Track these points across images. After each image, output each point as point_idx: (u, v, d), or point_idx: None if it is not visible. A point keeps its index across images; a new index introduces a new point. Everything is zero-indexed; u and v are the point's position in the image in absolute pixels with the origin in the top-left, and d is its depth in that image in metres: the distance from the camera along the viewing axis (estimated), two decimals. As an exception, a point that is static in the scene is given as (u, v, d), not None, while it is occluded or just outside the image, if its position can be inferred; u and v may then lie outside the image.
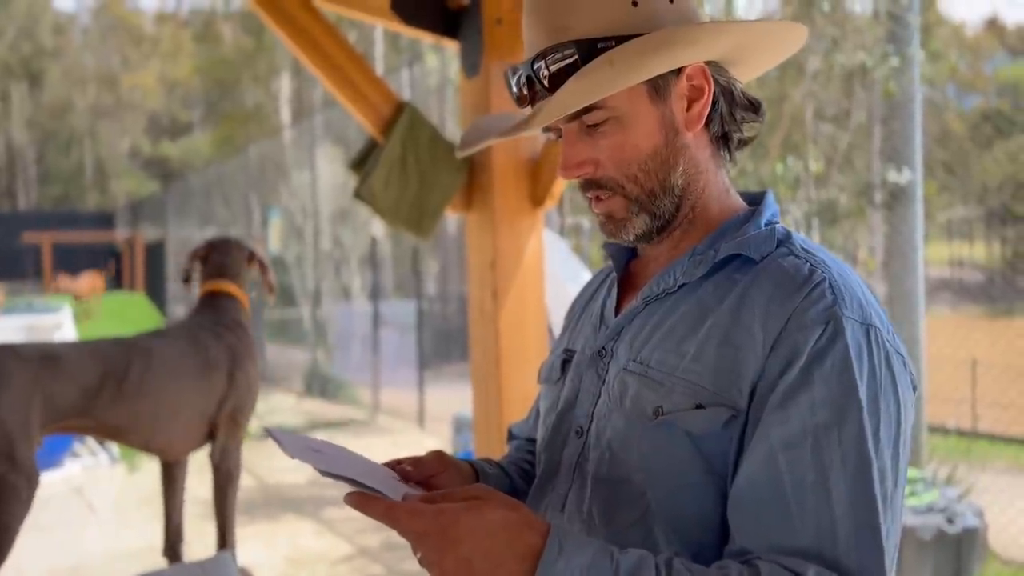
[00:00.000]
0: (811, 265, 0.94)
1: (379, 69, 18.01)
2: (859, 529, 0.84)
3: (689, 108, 1.00)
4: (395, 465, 1.06)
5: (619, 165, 1.00)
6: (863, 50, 5.98)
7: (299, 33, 2.47)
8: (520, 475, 1.22)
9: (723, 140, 1.05)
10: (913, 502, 3.82)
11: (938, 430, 7.00)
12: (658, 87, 0.98)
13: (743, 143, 1.07)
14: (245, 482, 6.65)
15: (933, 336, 6.88)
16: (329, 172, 12.48)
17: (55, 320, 8.13)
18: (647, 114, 0.99)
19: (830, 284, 0.91)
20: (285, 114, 27.78)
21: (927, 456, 5.35)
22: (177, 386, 2.63)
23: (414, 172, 2.55)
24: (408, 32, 2.66)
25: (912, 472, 4.15)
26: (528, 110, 1.03)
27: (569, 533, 0.85)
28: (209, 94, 36.95)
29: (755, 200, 1.08)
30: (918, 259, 5.18)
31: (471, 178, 2.62)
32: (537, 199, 2.60)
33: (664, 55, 0.94)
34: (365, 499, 0.85)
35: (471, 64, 2.56)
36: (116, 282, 22.16)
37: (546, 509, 1.08)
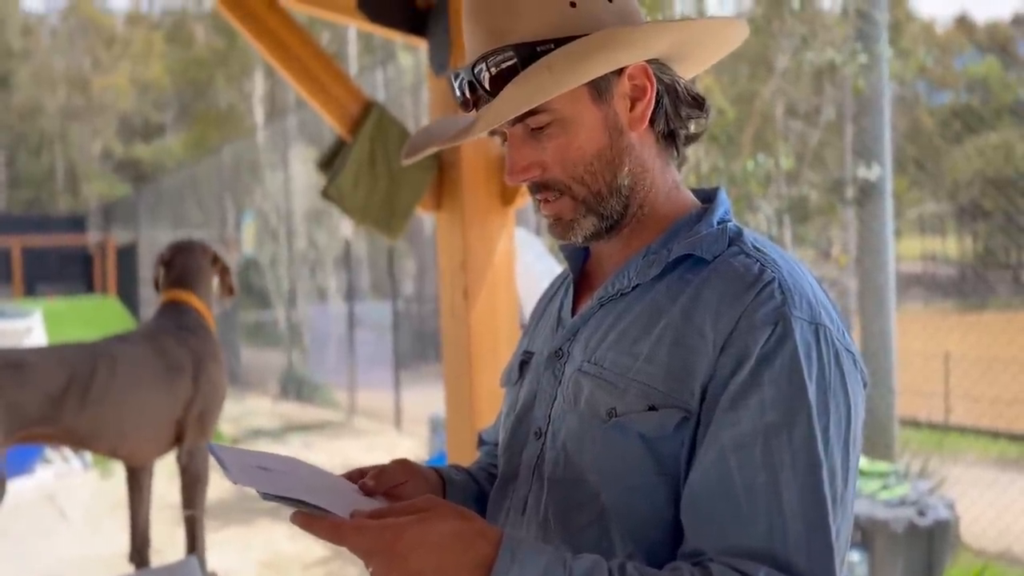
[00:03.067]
0: (761, 264, 0.94)
1: (352, 69, 17.92)
2: (809, 529, 0.85)
3: (632, 108, 1.00)
4: (357, 479, 1.05)
5: (565, 167, 1.00)
6: (832, 47, 6.02)
7: (265, 33, 2.44)
8: (488, 481, 1.21)
9: (669, 138, 1.05)
10: (885, 495, 3.85)
11: (910, 423, 7.08)
12: (600, 88, 0.98)
13: (690, 139, 1.07)
14: (218, 485, 6.60)
15: (905, 330, 6.95)
16: (303, 172, 12.41)
17: (25, 325, 8.02)
18: (590, 115, 0.99)
19: (779, 284, 0.92)
20: (258, 114, 27.56)
21: (899, 449, 5.40)
22: (142, 391, 2.62)
23: (383, 171, 2.54)
24: (376, 31, 2.65)
25: (884, 465, 4.19)
26: (473, 114, 1.02)
27: (523, 541, 0.84)
28: (181, 95, 36.57)
29: (707, 197, 1.08)
30: (889, 254, 5.23)
31: (441, 177, 2.61)
32: (507, 198, 2.59)
33: (603, 57, 0.94)
34: (310, 518, 0.84)
35: (439, 63, 2.54)
36: (88, 286, 21.91)
37: (507, 512, 1.07)
